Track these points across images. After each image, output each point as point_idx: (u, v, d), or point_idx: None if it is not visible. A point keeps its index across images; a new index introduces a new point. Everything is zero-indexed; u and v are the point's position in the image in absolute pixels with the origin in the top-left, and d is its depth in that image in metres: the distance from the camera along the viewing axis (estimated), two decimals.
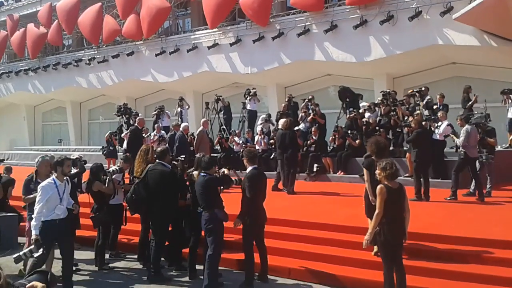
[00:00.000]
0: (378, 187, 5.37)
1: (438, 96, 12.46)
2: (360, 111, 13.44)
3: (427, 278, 6.07)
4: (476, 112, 11.72)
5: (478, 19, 13.11)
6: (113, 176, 7.59)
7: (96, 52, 23.78)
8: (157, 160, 6.94)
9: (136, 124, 13.52)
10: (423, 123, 10.33)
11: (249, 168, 6.41)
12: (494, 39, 13.57)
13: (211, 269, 6.06)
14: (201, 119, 15.17)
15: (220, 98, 16.89)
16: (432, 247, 6.72)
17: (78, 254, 8.06)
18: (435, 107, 12.08)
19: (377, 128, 12.61)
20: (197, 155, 7.06)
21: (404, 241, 5.51)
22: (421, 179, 9.63)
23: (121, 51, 22.37)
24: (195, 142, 13.08)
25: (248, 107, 16.23)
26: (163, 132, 14.78)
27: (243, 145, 14.10)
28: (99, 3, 23.23)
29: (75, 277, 6.62)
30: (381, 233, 5.28)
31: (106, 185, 7.49)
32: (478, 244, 6.60)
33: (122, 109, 17.79)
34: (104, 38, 22.96)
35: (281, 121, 11.55)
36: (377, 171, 5.42)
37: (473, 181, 9.74)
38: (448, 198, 9.45)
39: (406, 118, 12.23)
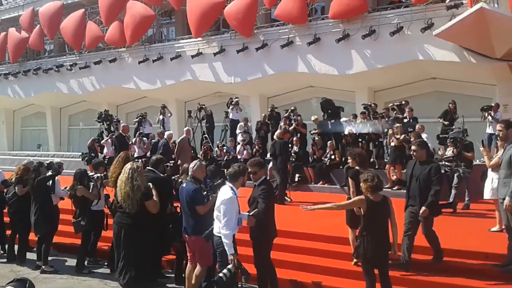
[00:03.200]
0: (360, 197, 5.39)
1: (407, 110, 12.75)
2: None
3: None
4: (454, 127, 12.02)
5: (458, 36, 13.42)
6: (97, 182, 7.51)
7: (78, 58, 23.57)
8: (148, 167, 6.87)
9: (120, 131, 13.41)
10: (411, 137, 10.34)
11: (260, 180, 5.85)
12: (473, 55, 13.90)
13: None
14: (183, 127, 15.17)
15: (203, 107, 16.91)
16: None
17: (56, 261, 8.01)
18: (405, 120, 12.32)
19: (360, 140, 12.80)
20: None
21: (391, 254, 5.44)
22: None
23: (103, 58, 22.22)
24: (176, 150, 13.06)
25: (231, 116, 16.31)
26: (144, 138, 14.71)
27: (227, 154, 14.15)
28: (82, 9, 23.09)
29: (53, 282, 6.53)
30: (361, 247, 5.26)
31: (91, 191, 7.44)
32: (454, 255, 6.73)
33: (103, 115, 17.65)
34: (87, 44, 22.79)
35: (277, 132, 11.81)
36: (361, 183, 5.39)
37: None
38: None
39: (386, 130, 12.46)
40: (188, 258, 6.17)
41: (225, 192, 5.37)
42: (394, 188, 11.58)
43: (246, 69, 18.21)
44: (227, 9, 18.34)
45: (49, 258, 7.73)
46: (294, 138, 13.45)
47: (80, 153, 17.47)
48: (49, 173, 7.95)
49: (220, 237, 5.27)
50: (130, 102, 23.27)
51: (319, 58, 16.72)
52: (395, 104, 13.29)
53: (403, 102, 13.31)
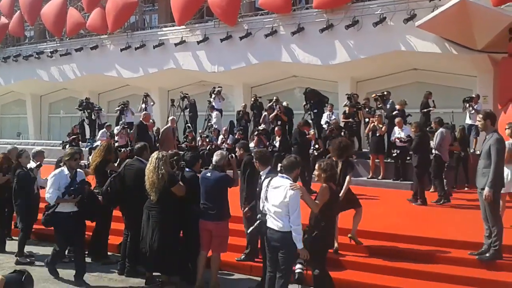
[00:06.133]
0: (323, 186, 5.29)
1: (393, 102, 12.93)
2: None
3: (385, 275, 6.26)
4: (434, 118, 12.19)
5: (440, 27, 13.54)
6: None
7: (58, 44, 23.20)
8: (135, 156, 6.82)
9: (141, 119, 13.11)
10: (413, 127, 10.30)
11: (265, 171, 5.80)
12: (455, 47, 14.06)
13: None
14: (166, 116, 15.08)
15: (186, 95, 16.82)
16: (393, 246, 6.95)
17: (38, 249, 7.93)
18: (394, 112, 12.44)
19: (343, 131, 12.90)
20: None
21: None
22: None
23: (84, 45, 21.91)
24: (159, 138, 12.98)
25: (214, 105, 16.22)
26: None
27: (210, 143, 14.11)
28: None
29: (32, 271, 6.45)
30: (321, 237, 5.20)
31: None
32: (438, 244, 6.85)
33: (84, 103, 17.47)
34: (68, 31, 22.42)
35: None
36: (316, 172, 5.36)
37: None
38: (441, 202, 9.56)
39: (367, 120, 12.58)
40: (202, 245, 6.15)
41: (287, 185, 4.94)
42: (379, 178, 11.73)
43: (230, 58, 18.13)
44: None
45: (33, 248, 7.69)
46: (276, 128, 13.36)
47: (61, 141, 17.23)
48: (32, 163, 7.83)
49: (283, 232, 4.88)
50: (112, 90, 23.00)
51: (302, 47, 16.73)
52: (378, 94, 13.39)
53: (385, 93, 13.43)
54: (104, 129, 15.24)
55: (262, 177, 5.75)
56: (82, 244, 6.65)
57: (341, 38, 15.93)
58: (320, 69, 16.73)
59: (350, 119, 13.19)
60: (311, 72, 17.26)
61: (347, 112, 13.52)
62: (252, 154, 6.34)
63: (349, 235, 6.87)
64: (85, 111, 17.35)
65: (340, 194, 6.35)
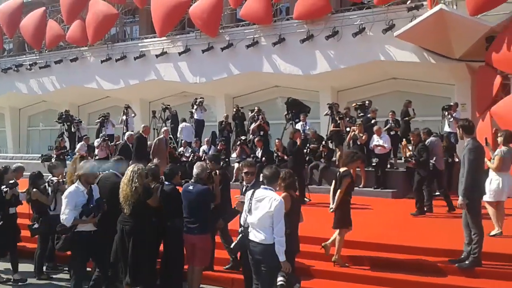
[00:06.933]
0: (283, 194, 5.31)
1: (371, 110, 13.04)
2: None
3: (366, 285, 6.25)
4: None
5: (418, 37, 13.74)
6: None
7: (38, 57, 22.93)
8: (111, 171, 6.67)
9: (141, 132, 12.86)
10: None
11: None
12: (433, 56, 14.27)
13: None
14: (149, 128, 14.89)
15: (168, 107, 16.73)
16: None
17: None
18: (373, 121, 12.57)
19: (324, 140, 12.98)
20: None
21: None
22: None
23: (64, 57, 21.70)
24: (152, 150, 12.71)
25: (195, 116, 16.18)
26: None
27: (192, 155, 14.03)
28: (43, 7, 22.46)
29: None
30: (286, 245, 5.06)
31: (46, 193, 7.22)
32: (418, 253, 6.88)
33: (64, 116, 17.25)
34: (47, 43, 22.18)
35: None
36: (279, 182, 5.37)
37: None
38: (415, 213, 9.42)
39: (348, 129, 12.66)
40: (188, 259, 6.14)
41: (271, 196, 4.91)
42: (360, 186, 11.76)
43: (212, 69, 18.12)
44: (192, 8, 18.21)
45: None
46: (256, 139, 13.36)
47: (40, 155, 16.95)
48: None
49: (265, 245, 4.83)
50: (92, 102, 22.76)
51: (283, 58, 16.82)
52: (358, 103, 13.51)
53: (367, 102, 13.56)
54: (83, 142, 15.02)
55: (243, 189, 5.73)
56: (107, 266, 6.16)
57: (322, 48, 16.06)
58: (301, 79, 16.82)
59: (340, 127, 13.09)
60: (292, 82, 17.34)
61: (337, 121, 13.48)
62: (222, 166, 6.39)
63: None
64: (64, 123, 17.14)
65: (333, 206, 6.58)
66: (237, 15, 19.05)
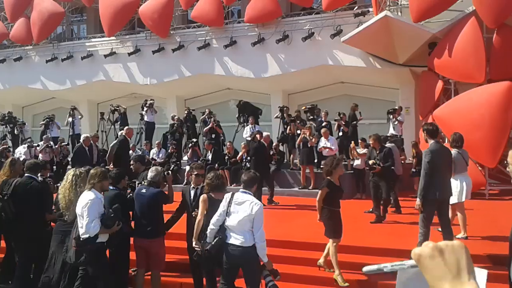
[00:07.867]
0: (202, 196, 5.56)
1: (323, 113, 13.34)
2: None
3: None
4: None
5: (364, 42, 14.15)
6: None
7: None
8: (26, 174, 6.37)
9: (124, 134, 12.09)
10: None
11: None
12: (378, 61, 14.75)
13: None
14: (96, 130, 14.59)
15: (117, 108, 16.39)
16: None
17: None
18: (324, 124, 12.87)
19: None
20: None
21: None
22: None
23: (8, 56, 20.79)
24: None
25: (146, 118, 15.95)
26: (51, 142, 13.91)
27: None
28: None
29: None
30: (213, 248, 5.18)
31: None
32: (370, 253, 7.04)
33: (7, 117, 16.57)
34: None
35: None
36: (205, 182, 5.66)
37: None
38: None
39: (299, 131, 12.88)
40: (138, 263, 6.07)
41: (252, 200, 5.01)
42: (310, 188, 11.98)
43: (163, 70, 17.91)
44: (142, 8, 17.94)
45: None
46: (206, 143, 13.37)
47: None
48: None
49: (244, 247, 4.91)
50: (37, 103, 21.95)
51: (235, 60, 16.88)
52: (307, 106, 13.77)
53: (316, 105, 13.86)
54: (23, 145, 14.34)
55: (193, 191, 5.95)
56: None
57: (272, 51, 16.25)
58: (253, 81, 16.95)
59: (298, 131, 13.19)
60: (244, 84, 17.43)
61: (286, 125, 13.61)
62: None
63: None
64: (7, 125, 16.45)
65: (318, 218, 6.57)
66: (189, 16, 18.92)
